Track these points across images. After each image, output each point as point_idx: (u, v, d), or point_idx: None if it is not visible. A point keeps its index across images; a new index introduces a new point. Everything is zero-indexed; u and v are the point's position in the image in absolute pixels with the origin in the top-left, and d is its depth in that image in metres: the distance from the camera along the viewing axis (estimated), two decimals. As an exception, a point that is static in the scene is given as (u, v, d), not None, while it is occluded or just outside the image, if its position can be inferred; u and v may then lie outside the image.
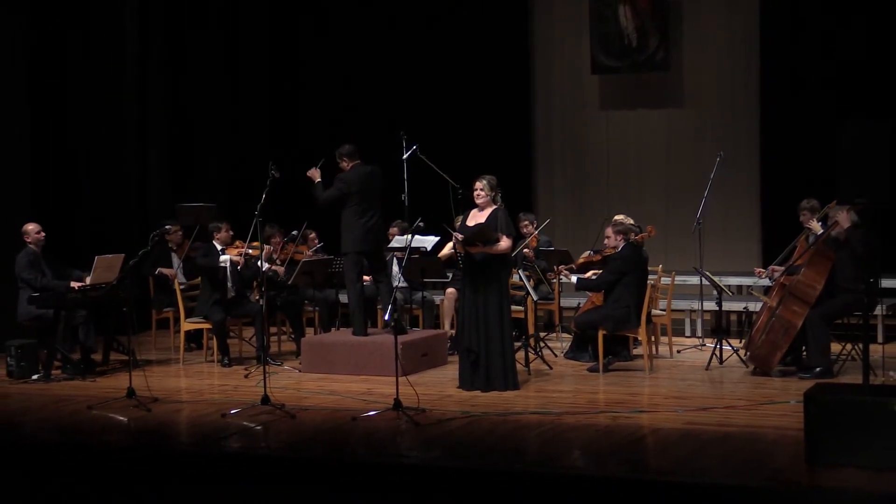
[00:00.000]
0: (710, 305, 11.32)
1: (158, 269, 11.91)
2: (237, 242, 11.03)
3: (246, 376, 10.28)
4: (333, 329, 11.75)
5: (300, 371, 10.45)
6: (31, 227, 10.50)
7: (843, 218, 9.35)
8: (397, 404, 8.35)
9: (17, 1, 12.07)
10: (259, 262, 10.15)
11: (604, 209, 12.93)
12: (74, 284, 10.34)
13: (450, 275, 11.44)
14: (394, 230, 11.59)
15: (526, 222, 11.50)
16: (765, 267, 10.37)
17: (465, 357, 9.40)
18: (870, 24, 12.48)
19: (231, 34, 14.55)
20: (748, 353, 9.93)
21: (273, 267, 11.28)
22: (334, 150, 10.59)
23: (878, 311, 11.10)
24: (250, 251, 10.82)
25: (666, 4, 13.56)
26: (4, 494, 7.61)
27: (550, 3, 14.38)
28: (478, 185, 9.40)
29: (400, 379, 8.57)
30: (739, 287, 12.25)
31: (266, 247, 10.94)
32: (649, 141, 14.11)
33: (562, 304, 11.91)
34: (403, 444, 7.71)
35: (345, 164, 10.48)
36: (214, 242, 10.96)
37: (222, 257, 10.83)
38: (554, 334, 11.85)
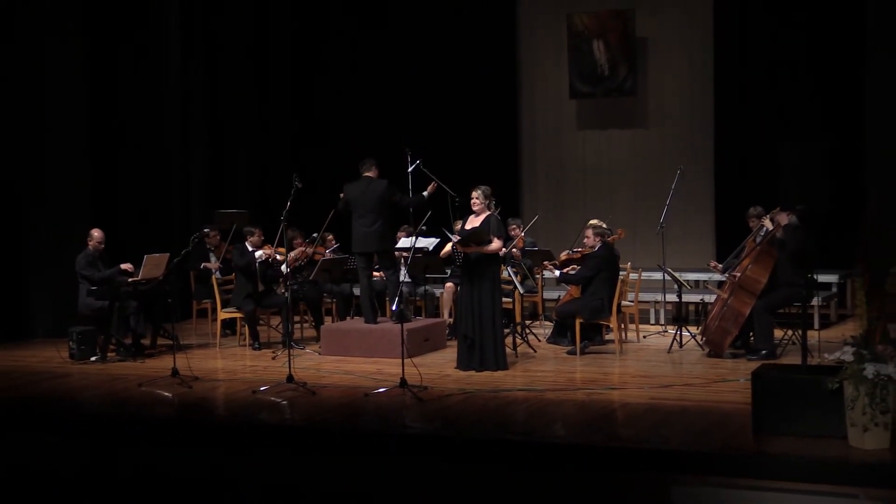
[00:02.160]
0: (672, 297, 11.33)
1: (203, 264, 11.93)
2: (266, 246, 11.03)
3: (273, 358, 10.28)
4: (348, 318, 11.75)
5: (320, 354, 10.44)
6: (97, 233, 10.47)
7: (783, 218, 9.37)
8: (403, 382, 8.36)
9: (75, 19, 11.97)
10: (283, 266, 10.38)
11: (580, 215, 12.92)
12: (125, 266, 10.32)
13: (448, 271, 11.44)
14: (401, 234, 11.59)
15: (514, 226, 11.48)
16: (719, 261, 10.40)
17: (461, 342, 9.41)
18: (809, 58, 12.51)
19: (260, 60, 14.50)
20: (704, 338, 9.93)
21: (296, 255, 11.32)
22: (346, 163, 10.67)
23: (815, 302, 11.11)
24: (278, 256, 10.86)
25: (633, 39, 13.57)
26: (67, 459, 7.63)
27: (534, 38, 14.38)
28: (474, 194, 9.43)
29: (405, 360, 8.58)
30: (697, 281, 12.27)
31: (291, 254, 10.98)
32: (619, 156, 14.11)
33: (544, 297, 11.90)
34: (408, 416, 7.71)
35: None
36: (247, 244, 10.97)
37: (257, 252, 10.86)
38: (538, 322, 11.84)
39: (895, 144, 8.45)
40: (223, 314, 11.08)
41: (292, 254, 11.22)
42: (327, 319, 11.84)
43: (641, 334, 11.13)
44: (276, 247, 10.97)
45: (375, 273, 10.87)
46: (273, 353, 10.56)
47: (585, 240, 10.51)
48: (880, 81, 8.76)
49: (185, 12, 13.28)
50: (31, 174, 11.88)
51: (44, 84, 11.86)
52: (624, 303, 10.60)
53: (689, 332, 10.41)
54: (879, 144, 8.82)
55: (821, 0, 12.41)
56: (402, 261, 10.95)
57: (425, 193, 10.47)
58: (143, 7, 12.83)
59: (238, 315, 11.06)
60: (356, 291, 11.46)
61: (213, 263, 11.91)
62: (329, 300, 12.07)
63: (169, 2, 13.04)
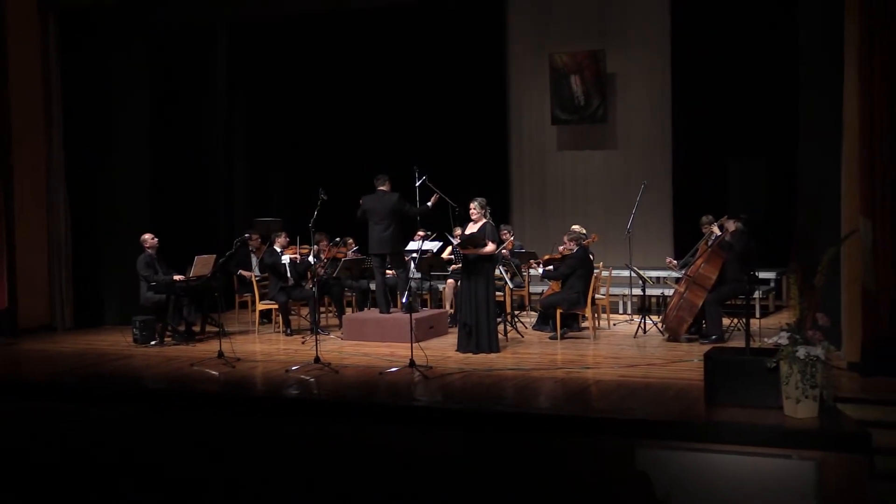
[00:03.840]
0: (637, 291, 11.35)
1: (240, 271, 11.93)
2: (290, 248, 11.08)
3: (303, 342, 10.31)
4: (366, 308, 11.76)
5: (342, 339, 10.47)
6: (147, 236, 10.53)
7: (731, 225, 9.41)
8: (412, 363, 8.39)
9: (139, 55, 12.04)
10: (309, 257, 10.42)
11: (560, 222, 12.92)
12: (178, 277, 10.37)
13: (450, 269, 11.45)
14: (420, 234, 11.61)
15: (504, 231, 11.48)
16: (676, 259, 10.41)
17: (461, 328, 9.44)
18: (749, 90, 12.53)
19: (291, 92, 14.50)
20: (664, 325, 9.96)
21: (319, 267, 11.29)
22: (364, 178, 10.72)
23: (756, 295, 11.12)
24: (302, 253, 10.92)
25: (605, 75, 13.56)
26: (132, 427, 7.65)
27: (521, 74, 14.35)
28: (472, 204, 9.50)
29: (413, 344, 8.60)
30: (658, 278, 12.26)
31: (314, 246, 11.03)
32: (593, 173, 14.07)
33: (530, 291, 11.92)
34: (416, 391, 7.74)
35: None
36: (275, 247, 11.01)
37: (283, 257, 10.90)
38: (525, 312, 11.86)
39: (821, 160, 8.45)
40: (261, 305, 11.11)
41: (320, 260, 11.26)
42: (348, 310, 11.86)
43: (612, 322, 11.15)
44: (300, 247, 11.08)
45: (388, 271, 10.89)
46: (302, 338, 10.59)
47: (564, 244, 10.54)
48: (809, 106, 8.78)
49: (232, 50, 13.33)
50: (102, 191, 11.97)
51: (111, 115, 11.93)
52: (597, 296, 10.62)
53: (651, 320, 10.44)
54: (808, 160, 8.83)
55: (761, 41, 12.41)
56: (412, 261, 10.98)
57: (429, 204, 10.49)
58: (196, 48, 12.88)
59: (273, 306, 11.08)
60: (372, 286, 11.48)
61: (248, 273, 11.89)
62: (349, 294, 12.08)
63: (218, 41, 13.12)
